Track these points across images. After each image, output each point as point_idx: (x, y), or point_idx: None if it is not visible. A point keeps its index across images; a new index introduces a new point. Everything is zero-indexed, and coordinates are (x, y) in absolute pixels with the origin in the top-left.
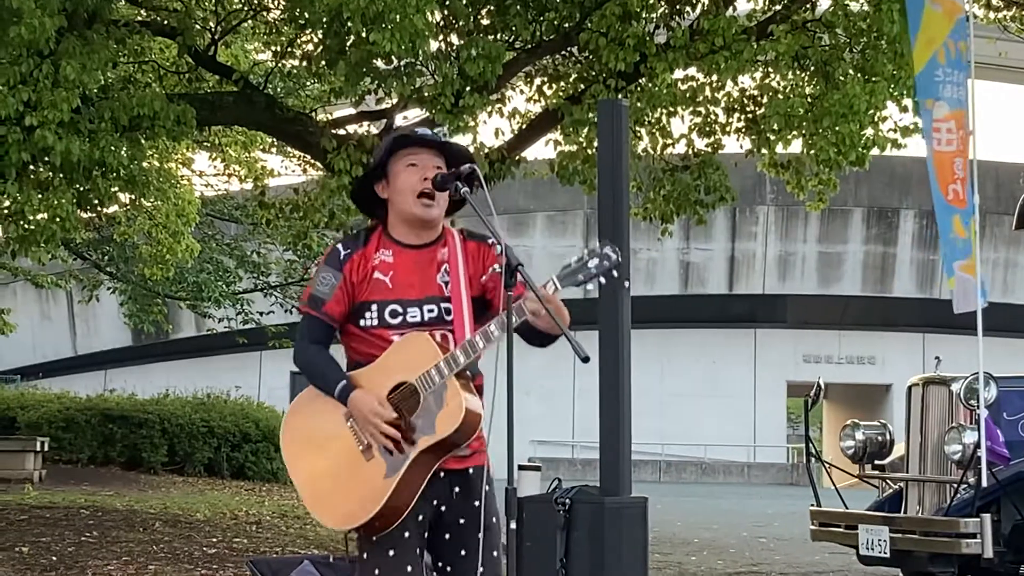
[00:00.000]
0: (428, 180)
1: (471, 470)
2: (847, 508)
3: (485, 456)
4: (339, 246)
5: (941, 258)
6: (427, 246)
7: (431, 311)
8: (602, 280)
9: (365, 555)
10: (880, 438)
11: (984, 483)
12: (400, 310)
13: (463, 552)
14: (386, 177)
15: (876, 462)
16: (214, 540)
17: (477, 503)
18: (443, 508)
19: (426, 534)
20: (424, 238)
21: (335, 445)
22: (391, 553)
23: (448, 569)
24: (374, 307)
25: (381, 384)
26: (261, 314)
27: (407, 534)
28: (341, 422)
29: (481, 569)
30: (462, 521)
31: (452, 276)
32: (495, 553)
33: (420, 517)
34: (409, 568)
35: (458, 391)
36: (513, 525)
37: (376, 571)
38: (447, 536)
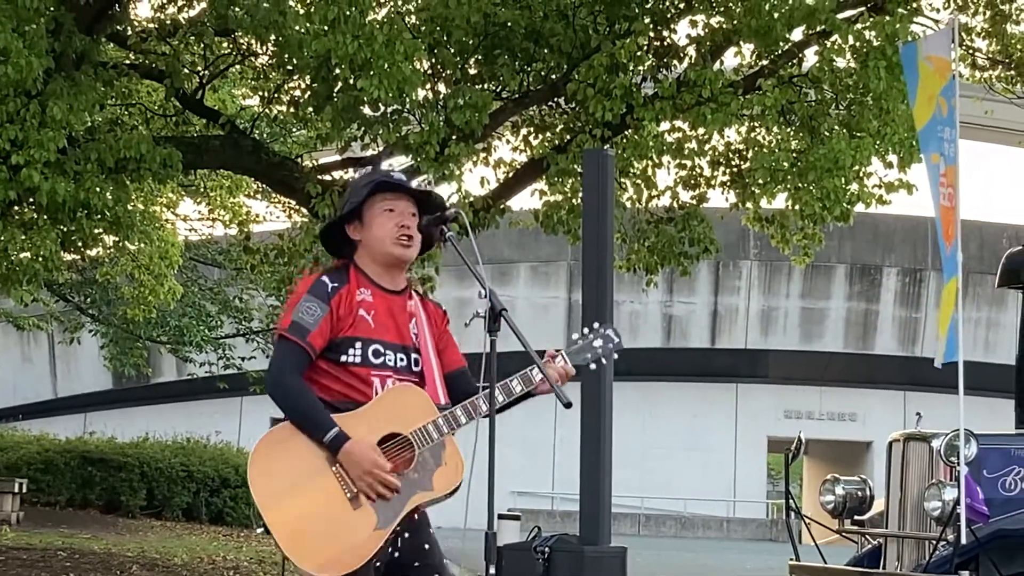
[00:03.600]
0: (405, 227)
1: (415, 515)
2: (826, 563)
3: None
4: (324, 278)
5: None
6: (399, 294)
7: (402, 360)
8: (604, 361)
9: None
10: (860, 493)
11: (963, 540)
12: (382, 350)
13: None
14: (360, 219)
15: (856, 517)
16: None
17: (427, 546)
18: (396, 554)
19: None
20: (396, 284)
21: (318, 488)
22: None
23: None
24: (358, 344)
25: (369, 432)
26: (243, 359)
27: None
28: (323, 465)
29: None
30: (417, 564)
31: (419, 330)
32: None
33: (378, 564)
34: None
35: (457, 451)
36: (492, 571)
37: None
38: None
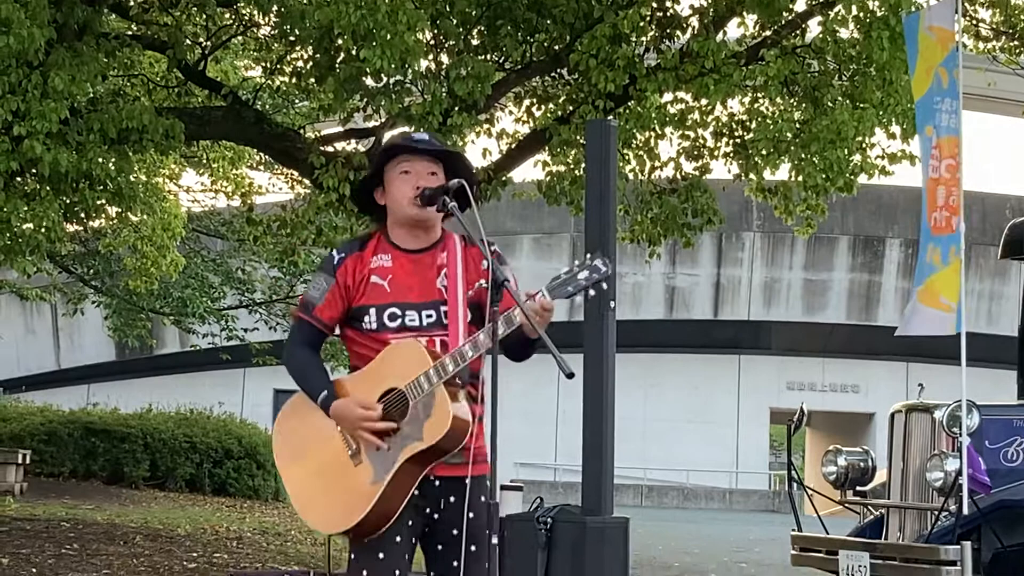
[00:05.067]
0: (419, 188)
1: (468, 479)
2: (828, 534)
3: (486, 466)
4: (334, 251)
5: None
6: (426, 250)
7: (429, 316)
8: (591, 292)
9: (353, 556)
10: (862, 464)
11: (965, 511)
12: (399, 313)
13: (455, 563)
14: (383, 184)
15: (858, 488)
16: (194, 555)
17: (472, 515)
18: (435, 516)
19: (415, 540)
20: (423, 241)
21: (324, 450)
22: (380, 556)
23: None
24: (372, 311)
25: (370, 390)
26: (245, 331)
27: (398, 538)
28: (331, 427)
29: None
30: (455, 532)
31: (450, 281)
32: (487, 566)
33: (411, 523)
34: (397, 572)
35: (446, 399)
36: (495, 540)
37: (364, 573)
38: (440, 547)
